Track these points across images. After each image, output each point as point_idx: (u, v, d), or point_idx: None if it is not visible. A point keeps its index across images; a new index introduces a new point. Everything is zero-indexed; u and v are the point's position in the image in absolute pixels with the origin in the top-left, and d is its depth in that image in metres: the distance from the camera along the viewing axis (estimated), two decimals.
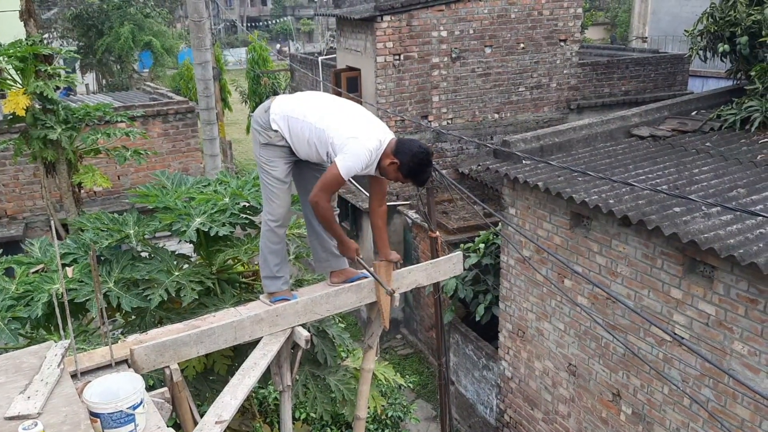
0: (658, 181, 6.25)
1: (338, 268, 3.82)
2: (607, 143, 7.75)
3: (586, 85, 11.99)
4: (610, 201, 5.88)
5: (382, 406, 5.51)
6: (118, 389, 2.63)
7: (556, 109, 11.80)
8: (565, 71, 11.65)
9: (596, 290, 6.42)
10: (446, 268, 4.12)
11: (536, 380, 7.68)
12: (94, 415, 2.51)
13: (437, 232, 5.29)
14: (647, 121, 8.11)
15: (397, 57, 10.46)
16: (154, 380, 3.73)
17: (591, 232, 6.41)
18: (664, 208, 5.57)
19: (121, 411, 2.51)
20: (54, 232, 2.84)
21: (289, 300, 3.60)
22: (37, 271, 3.97)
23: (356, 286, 3.76)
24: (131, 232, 3.99)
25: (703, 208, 5.44)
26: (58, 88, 7.22)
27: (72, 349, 3.04)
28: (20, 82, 6.73)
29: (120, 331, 4.01)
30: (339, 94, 11.39)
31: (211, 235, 3.84)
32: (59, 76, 7.10)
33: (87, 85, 28.38)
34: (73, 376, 2.91)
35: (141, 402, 2.59)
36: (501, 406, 8.47)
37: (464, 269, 8.76)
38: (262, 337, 3.50)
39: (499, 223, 7.82)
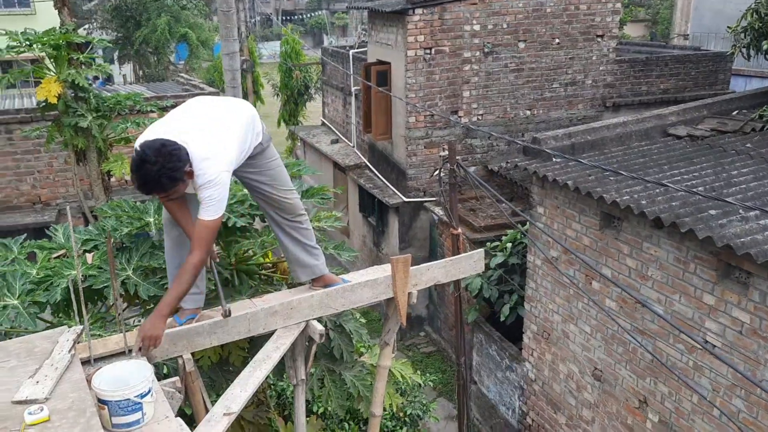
0: (694, 182, 6.04)
1: (321, 273, 3.71)
2: (642, 142, 7.53)
3: (622, 82, 11.68)
4: (643, 202, 5.70)
5: (400, 404, 5.45)
6: (128, 377, 2.62)
7: (590, 106, 11.53)
8: (601, 68, 11.37)
9: (625, 294, 6.23)
10: (467, 265, 4.02)
11: (560, 383, 7.52)
12: (102, 402, 2.51)
13: (459, 229, 5.18)
14: (685, 120, 7.86)
15: (428, 51, 10.34)
16: (169, 369, 3.72)
17: (621, 234, 6.23)
18: (699, 211, 5.37)
19: (129, 399, 2.51)
20: (70, 217, 2.84)
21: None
22: (59, 257, 4.00)
23: (373, 282, 3.70)
24: (151, 220, 3.98)
25: (740, 211, 5.23)
26: (96, 77, 7.35)
27: (86, 335, 3.04)
28: (53, 70, 6.82)
29: (137, 318, 4.01)
30: (368, 88, 11.34)
31: (229, 225, 3.81)
32: (92, 64, 7.18)
33: (124, 76, 28.90)
34: (87, 362, 2.91)
35: (149, 391, 2.58)
36: (524, 408, 8.33)
37: (490, 268, 8.67)
38: (276, 329, 3.47)
39: (527, 223, 7.67)
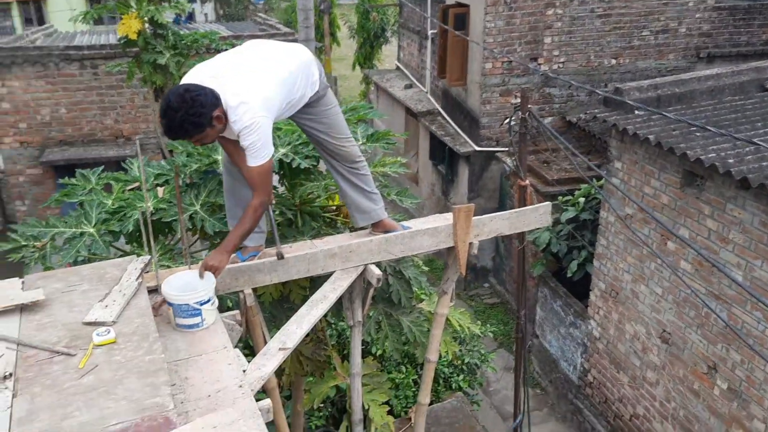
0: None
1: (379, 218, 3.64)
2: (735, 96, 7.01)
3: (720, 31, 10.83)
4: (730, 161, 5.35)
5: (456, 351, 5.46)
6: (192, 285, 2.86)
7: (682, 56, 10.80)
8: (697, 15, 10.58)
9: (704, 252, 5.94)
10: (531, 218, 3.91)
11: (625, 344, 7.35)
12: (168, 303, 2.79)
13: (527, 181, 5.02)
14: None
15: None
16: (232, 302, 3.85)
17: (704, 193, 5.89)
18: None
19: (188, 304, 2.73)
20: (139, 150, 2.92)
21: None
22: (132, 189, 4.15)
23: (433, 230, 3.65)
24: (219, 158, 4.05)
25: None
26: (179, 16, 7.46)
27: (154, 265, 3.17)
28: (134, 6, 6.97)
29: (203, 252, 4.15)
30: (445, 32, 11.01)
31: (293, 166, 3.83)
32: (171, 1, 7.28)
33: (206, 14, 29.33)
34: (154, 290, 3.04)
35: (209, 300, 2.80)
36: (585, 365, 8.22)
37: (560, 223, 8.44)
38: (334, 271, 3.50)
39: (602, 178, 7.37)
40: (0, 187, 13.01)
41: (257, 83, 2.89)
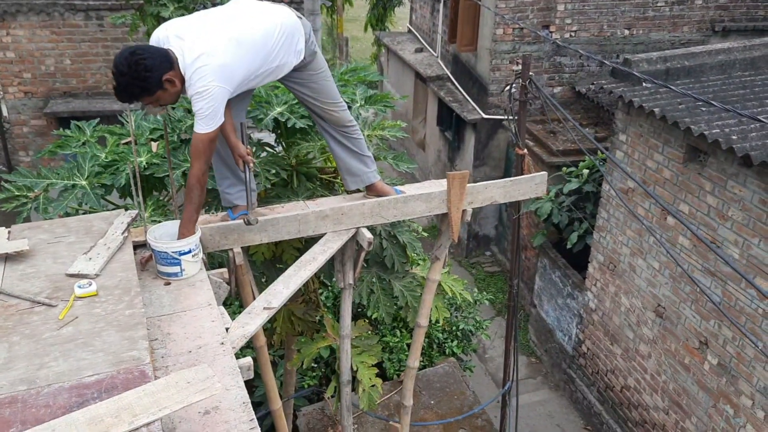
0: None
1: (371, 181, 3.60)
2: (745, 72, 6.87)
3: (737, 5, 10.56)
4: (734, 137, 5.27)
5: (448, 317, 5.49)
6: (174, 235, 2.92)
7: (697, 29, 10.56)
8: None
9: (700, 231, 5.90)
10: (527, 187, 3.88)
11: (620, 316, 7.38)
12: (151, 250, 2.84)
13: (524, 150, 4.96)
14: None
15: None
16: (224, 260, 3.86)
17: (706, 169, 5.83)
18: None
19: (167, 253, 2.77)
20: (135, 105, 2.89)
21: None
22: (127, 143, 4.14)
23: (427, 195, 3.64)
24: None
25: None
26: None
27: (143, 219, 3.18)
28: None
29: None
30: None
31: (288, 126, 3.80)
32: None
33: None
34: (143, 245, 3.05)
35: (189, 251, 2.83)
36: (580, 336, 8.27)
37: (563, 194, 8.39)
38: (326, 233, 3.50)
39: (607, 150, 7.29)
40: (5, 137, 13.02)
41: (219, 49, 2.77)
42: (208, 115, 2.77)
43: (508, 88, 5.23)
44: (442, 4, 12.68)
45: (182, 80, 2.79)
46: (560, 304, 8.74)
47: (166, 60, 2.72)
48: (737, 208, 5.49)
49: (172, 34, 2.81)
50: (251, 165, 3.19)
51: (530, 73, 4.96)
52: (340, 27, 19.76)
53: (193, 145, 2.88)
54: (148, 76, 2.67)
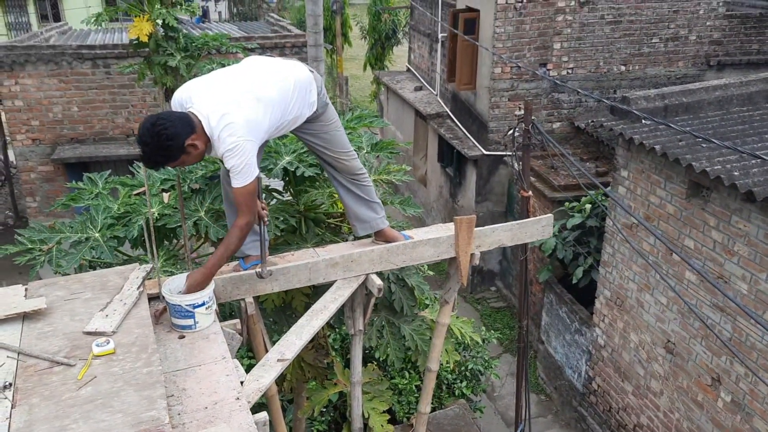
0: None
1: (380, 227, 3.65)
2: (743, 107, 6.97)
3: (731, 39, 10.77)
4: (735, 173, 5.32)
5: (459, 360, 5.47)
6: None
7: (692, 64, 10.74)
8: (708, 23, 10.52)
9: (706, 267, 5.92)
10: (534, 230, 3.92)
11: (630, 352, 7.33)
12: (165, 302, 2.89)
13: (530, 192, 5.02)
14: None
15: None
16: (233, 308, 3.87)
17: (709, 205, 5.87)
18: None
19: (180, 305, 2.82)
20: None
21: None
22: (138, 194, 4.19)
23: (435, 240, 3.67)
24: None
25: None
26: (194, 13, 7.57)
27: (157, 272, 3.21)
28: (146, 8, 7.01)
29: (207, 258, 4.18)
30: (455, 36, 11.01)
31: (297, 175, 3.86)
32: (182, 5, 7.32)
33: (219, 13, 29.47)
34: (156, 297, 3.07)
35: (203, 304, 2.87)
36: (590, 372, 8.20)
37: (567, 229, 8.42)
38: (335, 280, 3.53)
39: (608, 186, 7.35)
40: (12, 183, 13.15)
41: (243, 105, 2.87)
42: (242, 170, 2.87)
43: (510, 132, 5.32)
44: (440, 45, 12.93)
45: (205, 141, 2.88)
46: (568, 341, 8.69)
47: (187, 125, 2.80)
48: (743, 243, 5.51)
49: (193, 95, 2.91)
50: (266, 220, 3.26)
51: (532, 117, 5.05)
52: (340, 67, 20.10)
53: (235, 200, 3.02)
54: (171, 145, 2.75)
